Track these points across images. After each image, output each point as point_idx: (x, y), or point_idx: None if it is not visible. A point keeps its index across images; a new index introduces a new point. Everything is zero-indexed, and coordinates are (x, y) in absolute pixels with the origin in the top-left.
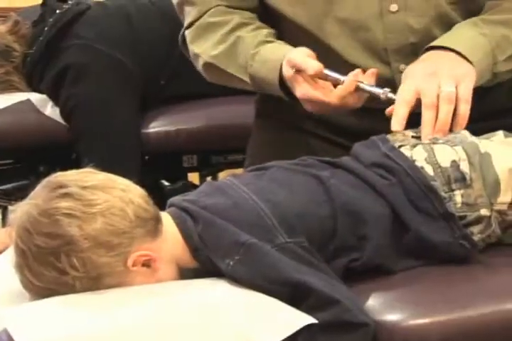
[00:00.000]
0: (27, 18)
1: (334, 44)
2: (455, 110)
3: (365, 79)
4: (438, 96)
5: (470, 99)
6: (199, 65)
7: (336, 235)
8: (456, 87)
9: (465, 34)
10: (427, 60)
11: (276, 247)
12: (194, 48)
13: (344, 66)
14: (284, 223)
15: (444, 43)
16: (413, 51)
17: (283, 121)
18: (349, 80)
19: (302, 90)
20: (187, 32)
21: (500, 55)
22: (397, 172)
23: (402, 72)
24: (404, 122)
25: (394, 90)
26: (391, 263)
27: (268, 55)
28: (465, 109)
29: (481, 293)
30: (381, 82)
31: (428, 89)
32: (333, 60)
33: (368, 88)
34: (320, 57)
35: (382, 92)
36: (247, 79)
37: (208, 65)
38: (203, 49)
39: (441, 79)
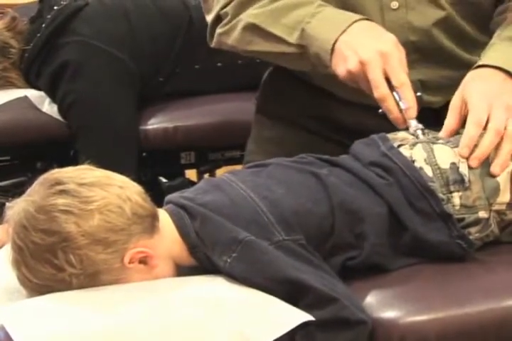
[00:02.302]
0: (24, 14)
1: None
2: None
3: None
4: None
5: None
6: (236, 32)
7: (333, 233)
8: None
9: (503, 50)
10: (491, 81)
11: (273, 245)
12: (235, 17)
13: None
14: (281, 220)
15: (496, 63)
16: (413, 49)
17: (283, 119)
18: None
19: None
20: (224, 10)
21: None
22: (394, 171)
23: None
24: (473, 145)
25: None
26: (388, 262)
27: (334, 15)
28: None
29: (478, 290)
30: None
31: (499, 119)
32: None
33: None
34: None
35: (414, 126)
36: (289, 38)
37: (247, 28)
38: (245, 13)
39: (509, 118)
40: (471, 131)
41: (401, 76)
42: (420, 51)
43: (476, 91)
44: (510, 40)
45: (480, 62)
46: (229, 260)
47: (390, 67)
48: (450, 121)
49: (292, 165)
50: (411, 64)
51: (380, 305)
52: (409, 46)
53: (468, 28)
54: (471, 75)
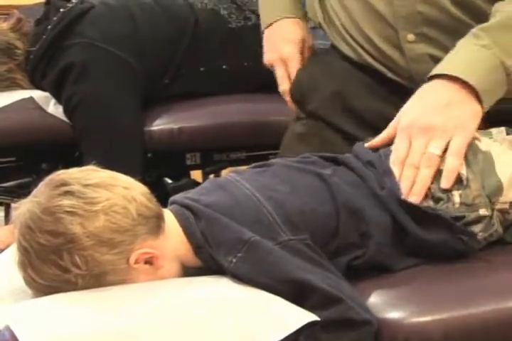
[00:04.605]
0: (30, 16)
1: (353, 13)
2: None
3: None
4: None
5: (462, 152)
6: None
7: (338, 233)
8: (449, 141)
9: (464, 52)
10: (424, 100)
11: (279, 245)
12: None
13: (361, 34)
14: (286, 220)
15: (440, 70)
16: (422, 20)
17: (310, 114)
18: None
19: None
20: None
21: None
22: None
23: (409, 42)
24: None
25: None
26: (393, 262)
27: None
28: (452, 162)
29: (482, 290)
30: (391, 52)
31: (415, 149)
32: (354, 30)
33: None
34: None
35: None
36: None
37: None
38: None
39: (431, 140)
40: (399, 171)
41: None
42: (429, 23)
43: (405, 117)
44: (468, 39)
45: (432, 73)
46: (234, 260)
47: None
48: (383, 136)
49: (296, 165)
50: (419, 37)
51: (385, 305)
52: (417, 17)
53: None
54: (411, 97)
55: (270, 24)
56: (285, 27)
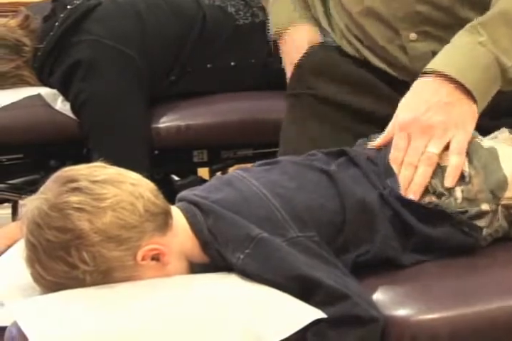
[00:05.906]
0: (38, 12)
1: (356, 16)
2: None
3: None
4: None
5: (463, 150)
6: None
7: (344, 228)
8: (450, 141)
9: (461, 49)
10: (423, 97)
11: (287, 241)
12: None
13: (365, 35)
14: (294, 217)
15: (437, 66)
16: (421, 19)
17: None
18: None
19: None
20: None
21: (508, 60)
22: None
23: (412, 41)
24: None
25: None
26: (399, 256)
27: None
28: (455, 161)
29: (489, 287)
30: (395, 52)
31: (414, 148)
32: (357, 32)
33: None
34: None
35: None
36: None
37: None
38: None
39: (431, 139)
40: (398, 171)
41: None
42: (429, 21)
43: (404, 114)
44: (465, 33)
45: (428, 67)
46: (242, 256)
47: None
48: (385, 136)
49: (302, 162)
50: (422, 35)
51: (392, 303)
52: (416, 17)
53: None
54: (408, 92)
55: (280, 34)
56: (296, 35)
